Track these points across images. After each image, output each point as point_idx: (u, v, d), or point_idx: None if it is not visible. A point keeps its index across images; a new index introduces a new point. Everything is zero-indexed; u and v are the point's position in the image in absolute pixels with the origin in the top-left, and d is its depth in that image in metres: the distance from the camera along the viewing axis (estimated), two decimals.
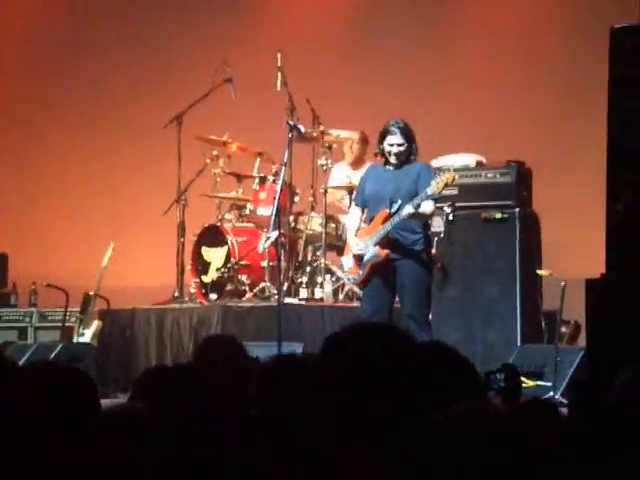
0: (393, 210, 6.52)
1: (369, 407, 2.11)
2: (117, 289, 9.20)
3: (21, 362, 7.84)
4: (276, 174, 8.42)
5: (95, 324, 8.66)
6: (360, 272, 6.69)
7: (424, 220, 6.67)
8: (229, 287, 8.42)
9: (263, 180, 8.63)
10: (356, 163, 8.99)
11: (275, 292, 7.89)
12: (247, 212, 8.65)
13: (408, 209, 6.43)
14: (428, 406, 2.09)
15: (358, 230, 6.80)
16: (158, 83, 10.78)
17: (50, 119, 11.20)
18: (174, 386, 2.37)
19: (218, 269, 8.46)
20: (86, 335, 8.63)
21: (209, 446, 2.08)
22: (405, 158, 6.58)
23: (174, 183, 8.67)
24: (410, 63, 10.24)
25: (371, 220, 6.70)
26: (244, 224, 8.67)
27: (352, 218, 6.90)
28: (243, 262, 8.39)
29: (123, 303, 8.78)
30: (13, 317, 9.40)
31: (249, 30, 10.61)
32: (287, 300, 8.03)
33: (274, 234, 7.58)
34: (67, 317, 8.92)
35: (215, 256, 8.55)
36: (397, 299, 6.71)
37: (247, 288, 8.38)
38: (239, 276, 8.41)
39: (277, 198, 7.55)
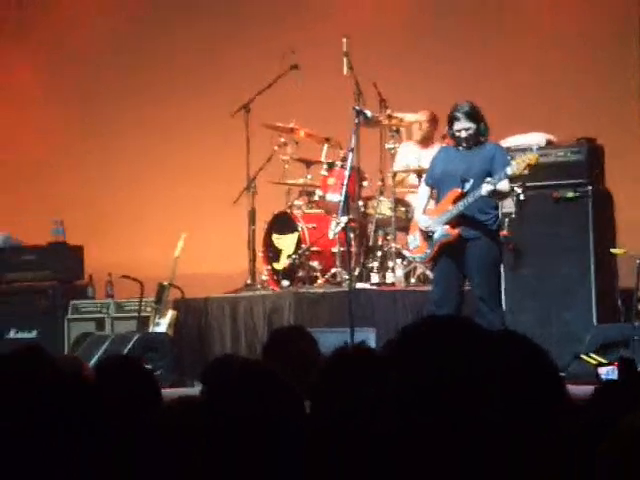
0: (465, 190, 6.47)
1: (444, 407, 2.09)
2: (191, 278, 9.28)
3: (99, 353, 8.00)
4: (344, 159, 8.41)
5: (170, 314, 8.75)
6: (427, 251, 6.64)
7: (500, 199, 6.62)
8: (301, 273, 8.45)
9: (331, 166, 8.63)
10: (425, 142, 8.94)
11: (346, 277, 7.90)
12: (316, 198, 8.66)
13: (487, 187, 6.37)
14: (503, 405, 2.07)
15: (426, 209, 6.76)
16: (226, 71, 10.84)
17: (120, 109, 11.32)
18: (239, 377, 2.39)
19: (289, 256, 8.49)
20: (162, 325, 8.73)
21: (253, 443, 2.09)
22: (475, 140, 6.53)
23: (243, 171, 8.71)
24: (473, 46, 10.15)
25: (439, 200, 6.66)
26: (314, 210, 8.69)
27: (421, 197, 6.87)
28: (314, 248, 8.41)
29: (197, 292, 8.86)
30: (90, 308, 9.53)
31: (315, 16, 10.60)
32: (358, 285, 8.03)
33: (344, 219, 7.58)
34: (143, 307, 9.03)
35: (286, 243, 8.59)
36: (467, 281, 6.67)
37: (319, 274, 8.40)
38: (310, 262, 8.43)
39: (346, 183, 7.54)
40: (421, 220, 6.69)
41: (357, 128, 7.93)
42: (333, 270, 8.34)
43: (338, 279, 8.27)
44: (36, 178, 11.42)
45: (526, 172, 6.48)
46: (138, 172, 11.19)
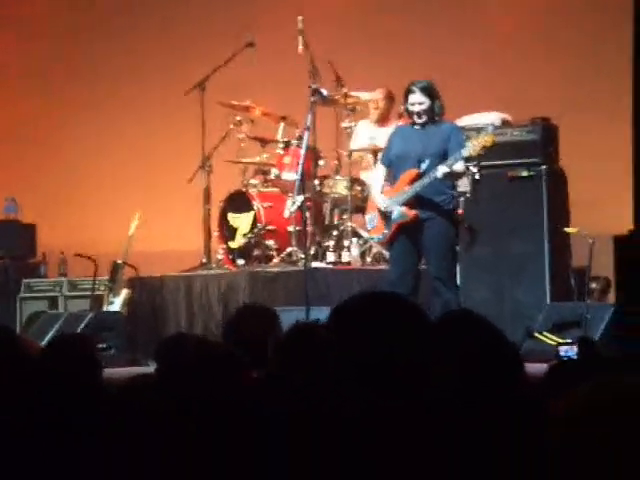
0: (422, 170, 6.49)
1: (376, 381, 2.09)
2: (145, 257, 9.24)
3: (52, 332, 7.94)
4: (300, 138, 8.39)
5: (124, 292, 8.70)
6: (385, 231, 6.66)
7: (455, 180, 6.63)
8: (256, 252, 8.43)
9: (287, 144, 8.61)
10: (382, 120, 8.93)
11: (302, 257, 7.90)
12: (272, 177, 8.63)
13: (443, 169, 6.39)
14: (454, 382, 2.08)
15: (383, 189, 6.77)
16: (180, 50, 10.76)
17: (74, 87, 11.21)
18: (193, 356, 2.38)
19: (245, 234, 8.47)
20: (115, 303, 8.68)
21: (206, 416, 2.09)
22: (429, 117, 6.54)
23: (198, 150, 8.67)
24: (433, 22, 10.16)
25: (396, 179, 6.67)
26: (269, 189, 8.66)
27: (377, 177, 6.86)
28: (270, 227, 8.40)
29: (151, 271, 8.81)
30: (43, 287, 9.46)
31: None
32: (314, 264, 8.03)
33: (300, 198, 7.57)
34: (96, 286, 8.97)
35: (242, 222, 8.56)
36: (423, 260, 6.69)
37: (274, 253, 8.39)
38: (266, 241, 8.41)
39: (302, 162, 7.52)
40: (379, 200, 6.70)
41: (313, 107, 7.91)
42: (289, 249, 8.33)
43: (294, 258, 8.27)
44: None
45: (482, 153, 6.50)
46: (93, 150, 11.09)
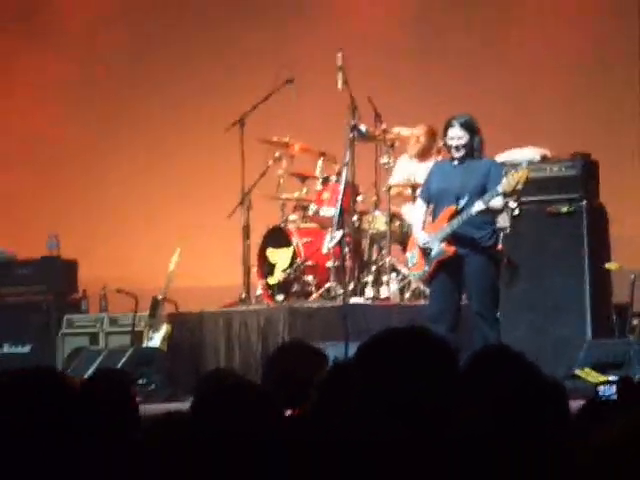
0: (460, 207, 6.49)
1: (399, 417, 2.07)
2: (185, 292, 9.28)
3: (93, 368, 7.98)
4: (339, 174, 8.41)
5: (164, 328, 8.73)
6: (426, 268, 6.66)
7: (493, 216, 6.62)
8: (295, 288, 8.43)
9: (326, 180, 8.63)
10: (422, 156, 8.92)
11: (341, 292, 7.88)
12: (311, 213, 8.65)
13: (479, 205, 6.39)
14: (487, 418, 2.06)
15: (424, 225, 6.77)
16: (221, 86, 10.85)
17: (116, 126, 11.32)
18: (226, 392, 2.38)
19: (284, 270, 8.48)
20: (155, 339, 8.71)
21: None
22: (468, 152, 6.54)
23: (238, 185, 8.71)
24: (471, 60, 10.17)
25: (436, 216, 6.66)
26: (308, 225, 8.68)
27: (417, 213, 6.87)
28: (308, 263, 8.40)
29: (191, 306, 8.84)
30: (84, 323, 9.52)
31: (309, 31, 10.62)
32: (353, 300, 8.01)
33: (338, 234, 7.58)
34: (137, 321, 9.01)
35: (280, 257, 8.57)
36: (464, 296, 6.66)
37: (313, 288, 8.38)
38: (305, 277, 8.41)
39: (340, 198, 7.54)
40: (419, 237, 6.71)
41: (351, 143, 7.93)
42: (327, 285, 8.32)
43: (332, 294, 8.26)
44: (32, 193, 11.41)
45: (519, 187, 6.49)
46: (134, 186, 11.18)
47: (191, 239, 9.93)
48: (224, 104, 9.90)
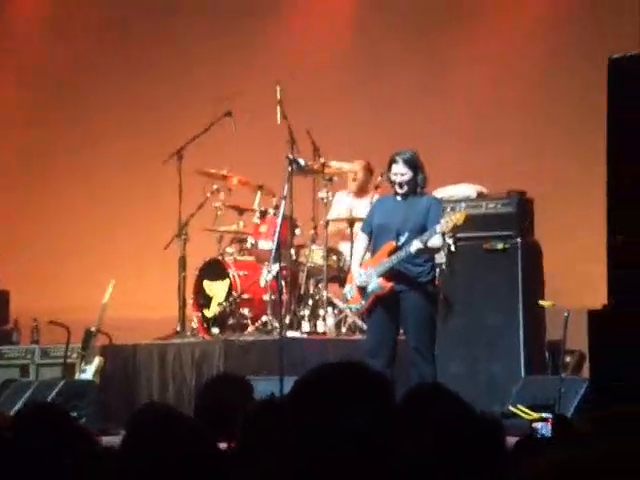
0: (400, 243, 6.52)
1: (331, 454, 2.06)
2: (120, 324, 9.17)
3: (22, 400, 7.83)
4: (277, 207, 8.41)
5: (97, 360, 8.61)
6: (362, 302, 6.68)
7: (431, 254, 6.67)
8: (231, 321, 8.39)
9: (264, 213, 8.62)
10: (360, 191, 8.98)
11: (277, 326, 7.86)
12: (248, 246, 8.63)
13: (417, 245, 6.44)
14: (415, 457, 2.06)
15: (362, 259, 6.79)
16: (158, 118, 10.81)
17: (50, 154, 11.22)
18: (157, 426, 2.35)
19: (220, 303, 8.43)
20: (88, 371, 8.59)
21: None
22: (410, 188, 6.58)
23: (175, 217, 8.66)
24: (410, 93, 10.26)
25: (375, 251, 6.69)
26: (245, 257, 8.65)
27: (358, 247, 6.89)
28: (245, 296, 8.37)
29: (125, 338, 8.75)
30: (15, 354, 9.36)
31: (248, 63, 10.64)
32: (289, 334, 7.99)
33: (275, 267, 7.56)
34: (69, 353, 8.88)
35: (217, 290, 8.53)
36: (402, 331, 6.68)
37: (249, 322, 8.35)
38: (241, 310, 8.38)
39: (278, 231, 7.53)
40: (355, 274, 6.73)
41: (290, 176, 7.94)
42: (264, 318, 8.29)
43: (269, 327, 8.23)
44: None
45: (455, 229, 6.55)
46: (68, 216, 11.07)
47: (127, 270, 9.84)
48: (163, 135, 9.86)
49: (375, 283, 6.60)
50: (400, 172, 6.57)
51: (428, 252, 6.58)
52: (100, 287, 9.03)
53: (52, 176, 11.16)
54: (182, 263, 8.62)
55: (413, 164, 6.58)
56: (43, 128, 11.22)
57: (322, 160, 8.50)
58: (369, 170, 8.94)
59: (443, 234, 6.57)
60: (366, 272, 6.66)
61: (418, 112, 10.16)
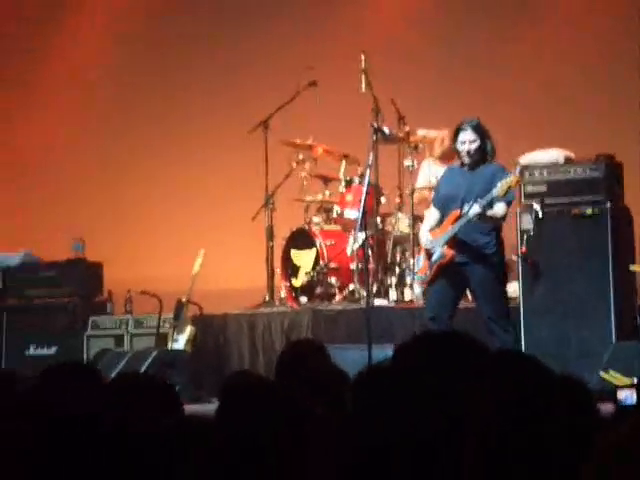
0: (464, 211, 6.48)
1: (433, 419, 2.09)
2: (209, 294, 9.31)
3: (117, 369, 8.02)
4: (362, 176, 8.43)
5: (188, 330, 8.76)
6: (428, 271, 6.66)
7: (495, 223, 6.60)
8: (319, 290, 8.45)
9: (349, 182, 8.64)
10: (445, 159, 8.92)
11: (364, 294, 7.90)
12: (334, 214, 8.67)
13: (475, 209, 6.39)
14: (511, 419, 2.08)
15: (431, 230, 6.77)
16: (244, 89, 10.88)
17: (140, 128, 11.38)
18: (251, 395, 2.40)
19: (307, 272, 8.50)
20: (180, 341, 8.75)
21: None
22: (478, 157, 6.52)
23: (262, 188, 8.74)
24: (492, 61, 10.15)
25: (442, 221, 6.66)
26: (332, 226, 8.70)
27: (428, 218, 6.89)
28: (332, 265, 8.42)
29: (215, 308, 8.88)
30: (109, 325, 9.56)
31: (332, 33, 10.64)
32: (377, 302, 8.02)
33: (362, 236, 7.58)
34: (161, 323, 9.05)
35: (304, 259, 8.59)
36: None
37: (336, 291, 8.40)
38: (328, 279, 8.43)
39: (363, 200, 7.55)
40: (423, 240, 6.72)
41: (375, 145, 7.94)
42: (351, 287, 8.34)
43: (356, 296, 8.27)
44: (57, 196, 11.49)
45: (534, 189, 6.49)
46: (158, 190, 11.24)
47: (215, 241, 9.96)
48: (249, 106, 9.93)
49: (439, 252, 6.58)
50: (468, 139, 6.51)
51: (490, 220, 6.52)
52: (190, 257, 9.17)
53: (143, 146, 11.33)
54: (269, 233, 8.70)
55: (481, 131, 6.52)
56: (134, 97, 11.38)
57: (407, 128, 8.47)
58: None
59: (508, 202, 6.50)
60: (433, 240, 6.65)
61: (497, 82, 10.04)
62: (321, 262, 8.43)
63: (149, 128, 11.33)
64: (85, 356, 9.28)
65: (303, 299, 8.47)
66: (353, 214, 8.28)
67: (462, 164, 6.61)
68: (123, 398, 2.73)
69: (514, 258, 8.45)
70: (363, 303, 7.76)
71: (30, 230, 11.06)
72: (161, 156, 11.24)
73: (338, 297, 8.36)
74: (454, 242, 6.53)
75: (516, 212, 7.94)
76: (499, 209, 6.47)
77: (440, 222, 6.69)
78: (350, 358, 6.02)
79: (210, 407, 6.60)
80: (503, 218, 6.69)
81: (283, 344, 7.91)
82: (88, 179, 11.47)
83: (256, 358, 8.15)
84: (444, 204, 6.66)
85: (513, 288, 7.80)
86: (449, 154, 8.94)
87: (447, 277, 6.57)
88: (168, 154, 11.22)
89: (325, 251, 8.44)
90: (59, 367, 3.34)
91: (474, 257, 6.50)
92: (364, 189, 7.73)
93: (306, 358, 3.80)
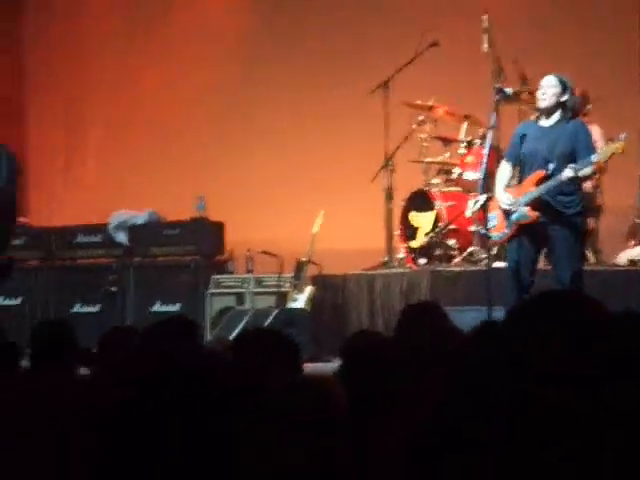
0: (549, 171, 6.34)
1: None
2: (328, 255, 9.39)
3: (240, 327, 8.19)
4: (483, 137, 8.36)
5: (308, 289, 8.88)
6: (506, 230, 6.55)
7: (583, 182, 6.47)
8: (438, 252, 8.45)
9: (470, 144, 8.59)
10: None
11: (484, 256, 7.86)
12: (454, 176, 8.63)
13: (568, 173, 6.24)
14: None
15: (507, 186, 6.65)
16: (364, 49, 10.87)
17: (256, 91, 11.48)
18: (373, 353, 2.45)
19: (427, 234, 8.50)
20: (299, 300, 8.87)
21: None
22: (556, 106, 6.37)
23: (381, 149, 8.75)
24: (618, 26, 9.91)
25: (522, 179, 6.51)
26: (451, 188, 8.67)
27: (502, 173, 6.71)
28: (451, 226, 8.40)
29: (334, 268, 8.95)
30: (231, 283, 9.74)
31: None
32: (496, 264, 7.97)
33: (482, 198, 7.52)
34: (281, 283, 9.18)
35: (423, 221, 8.59)
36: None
37: (456, 252, 8.38)
38: (447, 240, 8.42)
39: (485, 162, 7.48)
40: (502, 198, 6.57)
41: (497, 106, 7.85)
42: (470, 249, 8.31)
43: (475, 258, 8.24)
44: (181, 156, 11.71)
45: (612, 157, 6.32)
46: (278, 149, 11.34)
47: (335, 202, 10.03)
48: (368, 66, 9.92)
49: (521, 212, 6.45)
50: (549, 84, 6.37)
51: (580, 181, 6.38)
52: (309, 218, 9.27)
53: (260, 110, 11.43)
54: (388, 194, 8.71)
55: (565, 83, 6.38)
56: (251, 60, 11.48)
57: (530, 89, 8.36)
58: (585, 97, 8.71)
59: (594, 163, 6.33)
60: (513, 199, 6.51)
61: (624, 48, 9.80)
62: (440, 224, 8.42)
63: (267, 90, 11.41)
64: (208, 313, 9.48)
65: (422, 260, 8.48)
66: (474, 176, 8.23)
67: (537, 117, 6.48)
68: (251, 352, 2.81)
69: (637, 221, 8.29)
70: (483, 265, 7.72)
71: (155, 189, 11.31)
72: (283, 118, 11.32)
73: (457, 259, 8.34)
74: (538, 202, 6.39)
75: (638, 176, 7.80)
76: (587, 170, 6.32)
77: (518, 179, 6.56)
78: (469, 319, 6.03)
79: (329, 365, 6.69)
80: (590, 177, 6.55)
81: (402, 305, 7.95)
82: (209, 138, 11.64)
83: (375, 318, 8.21)
84: (523, 161, 6.51)
85: (638, 252, 7.66)
86: (576, 114, 8.78)
87: (527, 235, 6.45)
88: (290, 115, 11.28)
89: (444, 213, 8.43)
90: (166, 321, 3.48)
91: (557, 218, 6.37)
92: (485, 151, 7.67)
93: (425, 319, 3.84)
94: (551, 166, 6.34)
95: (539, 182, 6.42)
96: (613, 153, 6.25)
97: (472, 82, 9.17)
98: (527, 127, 6.69)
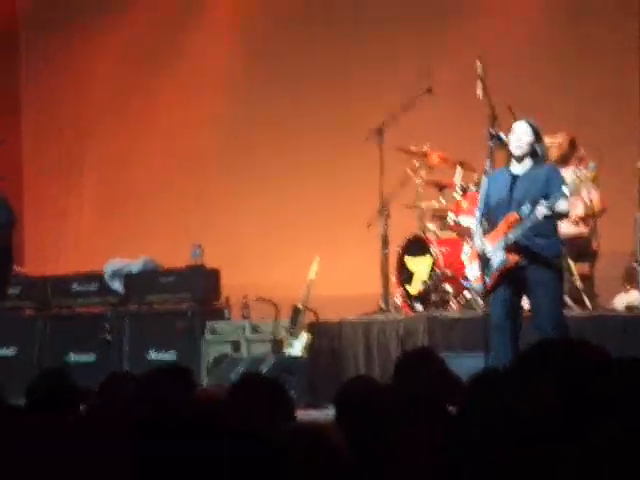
0: (523, 214, 6.34)
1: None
2: (324, 300, 9.38)
3: (236, 374, 8.15)
4: (477, 183, 8.38)
5: (304, 336, 8.85)
6: (486, 279, 6.49)
7: (561, 220, 6.46)
8: (434, 297, 8.44)
9: (465, 189, 8.61)
10: (561, 162, 8.81)
11: (480, 303, 7.84)
12: (449, 222, 8.64)
13: (542, 210, 6.22)
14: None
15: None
16: (359, 97, 10.93)
17: (255, 138, 11.53)
18: (368, 400, 2.44)
19: (424, 281, 8.49)
20: (296, 347, 8.84)
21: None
22: (529, 153, 6.41)
23: (376, 195, 8.77)
24: (618, 62, 9.98)
25: (495, 225, 6.49)
26: (447, 234, 8.68)
27: (477, 223, 6.70)
28: (447, 272, 8.40)
29: (330, 314, 8.93)
30: (227, 330, 9.72)
31: (448, 39, 10.61)
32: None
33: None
34: (277, 329, 9.15)
35: (419, 266, 8.59)
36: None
37: (452, 298, 8.37)
38: (443, 286, 8.41)
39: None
40: (484, 247, 6.48)
41: (492, 151, 7.88)
42: (467, 294, 8.29)
43: (472, 304, 8.22)
44: (177, 206, 11.73)
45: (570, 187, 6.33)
46: (273, 197, 11.37)
47: (330, 248, 10.03)
48: (363, 114, 9.97)
49: (501, 257, 6.40)
50: (524, 132, 6.39)
51: (556, 218, 6.35)
52: (305, 265, 9.26)
53: (259, 158, 11.47)
54: (384, 240, 8.72)
55: (536, 129, 6.42)
56: (250, 102, 11.53)
57: None
58: (573, 145, 8.77)
59: (567, 197, 6.25)
60: (491, 247, 6.43)
61: (626, 91, 9.86)
62: (437, 270, 8.41)
63: (266, 139, 11.46)
64: (204, 360, 9.44)
65: (418, 306, 8.47)
66: (469, 221, 8.24)
67: (507, 167, 6.48)
68: (248, 398, 2.79)
69: (634, 265, 8.29)
70: (480, 311, 7.71)
71: (151, 237, 11.32)
72: (279, 165, 11.36)
73: (453, 304, 8.33)
74: (516, 246, 6.34)
75: (635, 217, 7.81)
76: (563, 206, 6.31)
77: (492, 226, 6.52)
78: (466, 365, 6.00)
79: (325, 412, 6.65)
80: (567, 214, 6.53)
81: (398, 351, 7.93)
82: (207, 189, 11.67)
83: (372, 365, 8.17)
84: (495, 208, 6.49)
85: (635, 297, 7.64)
86: (566, 159, 8.83)
87: (509, 282, 6.39)
88: (285, 163, 11.33)
89: (441, 258, 8.43)
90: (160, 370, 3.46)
91: (534, 260, 6.32)
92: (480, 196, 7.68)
93: (422, 365, 3.82)
94: (525, 208, 6.33)
95: (513, 224, 6.39)
96: (581, 181, 6.25)
97: (466, 127, 9.21)
98: (496, 176, 6.66)
